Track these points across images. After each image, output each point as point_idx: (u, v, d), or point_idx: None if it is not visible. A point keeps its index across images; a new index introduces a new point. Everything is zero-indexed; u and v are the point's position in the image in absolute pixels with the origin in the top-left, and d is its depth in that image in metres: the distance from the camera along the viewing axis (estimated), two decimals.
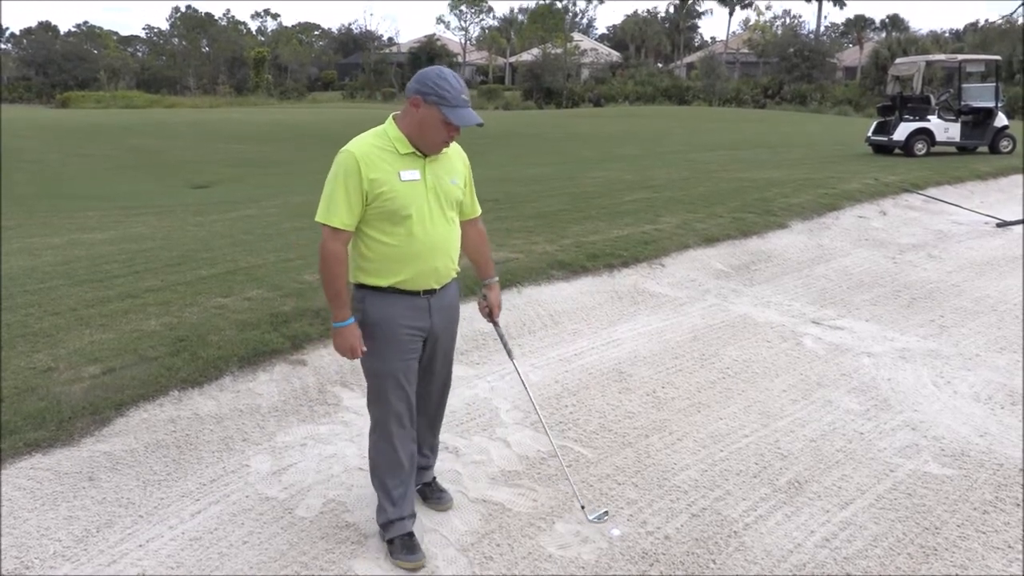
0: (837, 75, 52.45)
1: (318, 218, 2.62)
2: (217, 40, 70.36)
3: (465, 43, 67.49)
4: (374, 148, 2.62)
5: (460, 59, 64.70)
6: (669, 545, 2.95)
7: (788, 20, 60.13)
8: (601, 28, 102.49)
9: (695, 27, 73.22)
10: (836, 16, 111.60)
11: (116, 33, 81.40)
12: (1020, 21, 44.31)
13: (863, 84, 46.87)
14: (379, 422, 2.82)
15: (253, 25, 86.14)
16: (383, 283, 2.68)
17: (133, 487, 3.21)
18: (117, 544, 2.87)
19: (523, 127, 28.03)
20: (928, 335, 5.39)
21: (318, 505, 3.15)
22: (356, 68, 64.15)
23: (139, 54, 77.57)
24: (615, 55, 63.12)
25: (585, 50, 57.66)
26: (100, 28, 79.69)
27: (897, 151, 15.04)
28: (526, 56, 58.21)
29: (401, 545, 2.80)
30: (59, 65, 65.53)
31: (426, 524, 3.03)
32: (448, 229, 2.74)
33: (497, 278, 3.06)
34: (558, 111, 42.95)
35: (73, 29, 78.47)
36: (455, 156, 2.82)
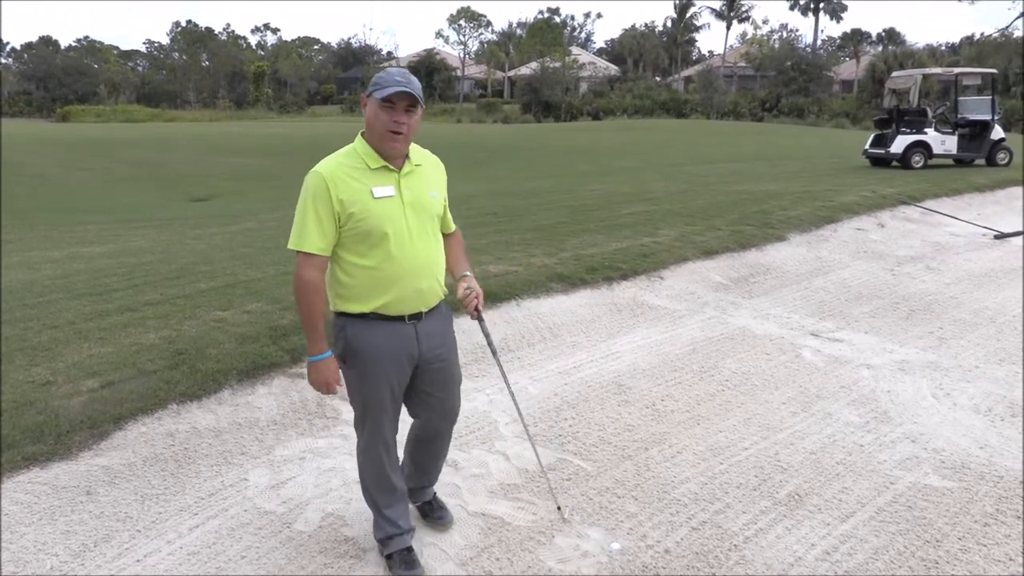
0: (834, 88, 52.71)
1: (290, 245, 2.46)
2: (217, 54, 70.72)
3: (464, 57, 67.82)
4: (343, 167, 2.49)
5: (459, 73, 65.01)
6: (669, 559, 2.94)
7: (785, 34, 60.60)
8: (599, 42, 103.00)
9: (693, 41, 73.65)
10: (833, 30, 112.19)
11: (116, 47, 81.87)
12: (1016, 34, 44.59)
13: (860, 97, 47.12)
14: (367, 446, 2.76)
15: (253, 39, 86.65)
16: (364, 309, 2.53)
17: (131, 501, 3.20)
18: (115, 559, 2.86)
19: (522, 141, 28.13)
20: (927, 347, 5.39)
21: (317, 519, 3.14)
22: (355, 82, 64.43)
23: (139, 68, 77.93)
24: (613, 69, 63.46)
25: (583, 64, 57.96)
26: (100, 42, 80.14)
27: (894, 164, 15.09)
28: (525, 70, 58.49)
29: (400, 560, 2.79)
30: (59, 79, 65.82)
31: (425, 539, 3.02)
32: (431, 246, 2.60)
33: (471, 273, 2.84)
34: (556, 124, 43.11)
35: (74, 43, 78.89)
36: (432, 168, 2.68)
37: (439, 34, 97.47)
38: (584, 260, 6.72)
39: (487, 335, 3.01)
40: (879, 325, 5.89)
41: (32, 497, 3.14)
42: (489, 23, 73.87)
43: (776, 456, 3.77)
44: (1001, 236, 9.28)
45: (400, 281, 2.53)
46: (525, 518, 3.20)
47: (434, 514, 3.08)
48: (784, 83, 48.57)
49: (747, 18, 62.64)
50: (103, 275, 6.35)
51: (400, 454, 2.97)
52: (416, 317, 2.62)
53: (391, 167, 2.54)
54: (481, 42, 69.48)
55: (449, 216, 2.81)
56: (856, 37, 65.18)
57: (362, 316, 2.57)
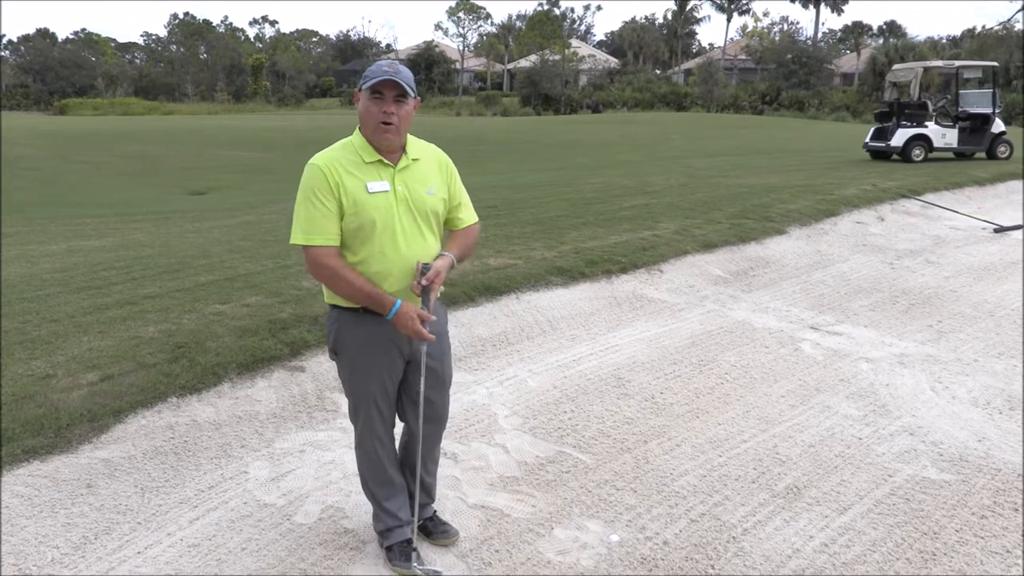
0: (835, 81, 52.62)
1: (297, 240, 2.42)
2: (215, 47, 70.50)
3: (463, 49, 67.65)
4: (339, 160, 2.48)
5: (458, 65, 64.85)
6: (668, 551, 2.96)
7: (786, 26, 60.44)
8: (599, 35, 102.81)
9: (693, 33, 73.49)
10: (834, 22, 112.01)
11: (114, 40, 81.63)
12: (1017, 27, 44.51)
13: (861, 90, 47.05)
14: (362, 439, 2.76)
15: (251, 32, 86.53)
16: (355, 304, 2.52)
17: (131, 494, 3.21)
18: (115, 551, 2.87)
19: (521, 134, 28.09)
20: (926, 340, 5.41)
21: (316, 511, 3.15)
22: (354, 75, 64.27)
23: (137, 61, 77.70)
24: (613, 61, 63.30)
25: (583, 56, 57.81)
26: (98, 35, 79.89)
27: (895, 157, 15.09)
28: (524, 62, 58.35)
29: (399, 552, 2.80)
30: (57, 72, 65.62)
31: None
32: (424, 245, 2.55)
33: (453, 258, 2.60)
34: (556, 117, 43.05)
35: (71, 36, 78.67)
36: (430, 164, 2.62)
37: (438, 26, 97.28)
38: (584, 253, 6.72)
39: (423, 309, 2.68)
40: (878, 318, 5.91)
41: (32, 490, 3.15)
42: (488, 15, 73.74)
43: (775, 449, 3.78)
44: (1001, 229, 9.29)
45: (389, 278, 2.51)
46: (524, 510, 3.21)
47: (438, 530, 2.98)
48: (784, 76, 48.47)
49: (747, 11, 62.45)
50: (102, 268, 6.36)
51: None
52: None
53: (386, 162, 2.52)
54: (480, 34, 69.32)
55: (468, 210, 2.72)
56: (857, 30, 65.03)
57: (353, 311, 2.56)
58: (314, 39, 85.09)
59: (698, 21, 70.56)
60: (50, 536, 2.92)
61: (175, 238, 8.27)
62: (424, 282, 2.51)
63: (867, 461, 3.67)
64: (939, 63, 17.54)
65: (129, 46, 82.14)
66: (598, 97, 51.32)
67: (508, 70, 65.91)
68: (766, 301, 6.27)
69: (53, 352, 4.21)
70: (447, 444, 3.63)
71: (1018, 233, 9.15)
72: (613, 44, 76.25)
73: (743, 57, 57.61)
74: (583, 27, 79.03)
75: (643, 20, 73.03)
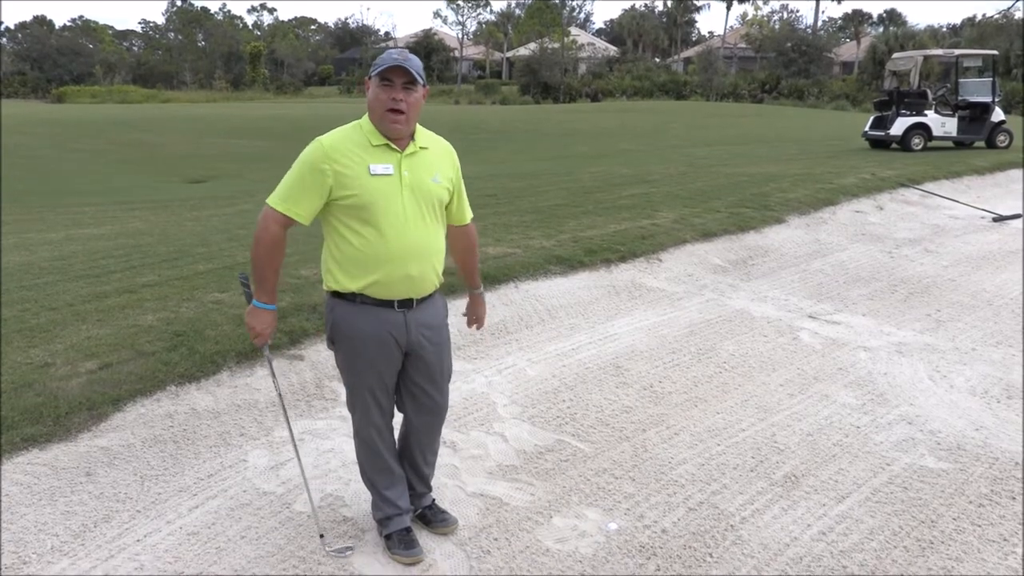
0: (834, 70, 52.45)
1: (270, 201, 2.49)
2: (213, 34, 70.15)
3: (462, 38, 67.34)
4: (346, 140, 2.49)
5: (457, 54, 64.58)
6: (666, 539, 2.96)
7: (786, 15, 60.15)
8: (598, 23, 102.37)
9: (692, 22, 73.14)
10: (834, 11, 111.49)
11: (111, 27, 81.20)
12: (1017, 15, 44.33)
13: (860, 79, 46.89)
14: (359, 429, 2.76)
15: (249, 20, 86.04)
16: (351, 287, 2.52)
17: (130, 482, 3.21)
18: (115, 539, 2.87)
19: (520, 122, 28.00)
20: (925, 329, 5.41)
21: (316, 500, 3.15)
22: (353, 63, 64.00)
23: (135, 48, 77.32)
24: (612, 50, 63.02)
25: (582, 45, 57.54)
26: (95, 22, 79.44)
27: (894, 146, 15.05)
28: (523, 51, 58.09)
29: (399, 540, 2.81)
30: (54, 60, 65.28)
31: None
32: (426, 232, 2.54)
33: (482, 289, 2.97)
34: (555, 106, 42.91)
35: (68, 23, 78.24)
36: (440, 153, 2.63)
37: (437, 14, 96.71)
38: (583, 242, 6.71)
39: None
40: (877, 307, 5.90)
41: (32, 478, 3.15)
42: (487, 3, 73.26)
43: (773, 437, 3.78)
44: (1000, 219, 9.27)
45: (389, 263, 2.50)
46: (523, 499, 3.22)
47: (437, 518, 2.98)
48: (784, 64, 48.29)
49: None
50: (100, 257, 6.34)
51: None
52: (406, 304, 2.58)
53: (393, 147, 2.51)
54: (479, 23, 68.99)
55: (465, 204, 2.77)
56: (857, 18, 64.74)
57: (350, 298, 2.55)
58: (312, 27, 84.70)
59: (698, 9, 70.17)
60: (49, 524, 2.92)
61: (174, 226, 8.25)
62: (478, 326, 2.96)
63: (865, 450, 3.68)
64: (939, 51, 17.48)
65: (127, 34, 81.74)
66: (597, 86, 51.13)
67: (507, 58, 65.64)
68: (765, 290, 6.26)
69: (52, 340, 4.20)
70: (446, 432, 3.63)
71: (1017, 222, 9.14)
72: (612, 32, 75.92)
73: (743, 46, 57.38)
74: (582, 15, 78.69)
75: (643, 8, 72.62)
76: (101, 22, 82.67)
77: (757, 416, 4.03)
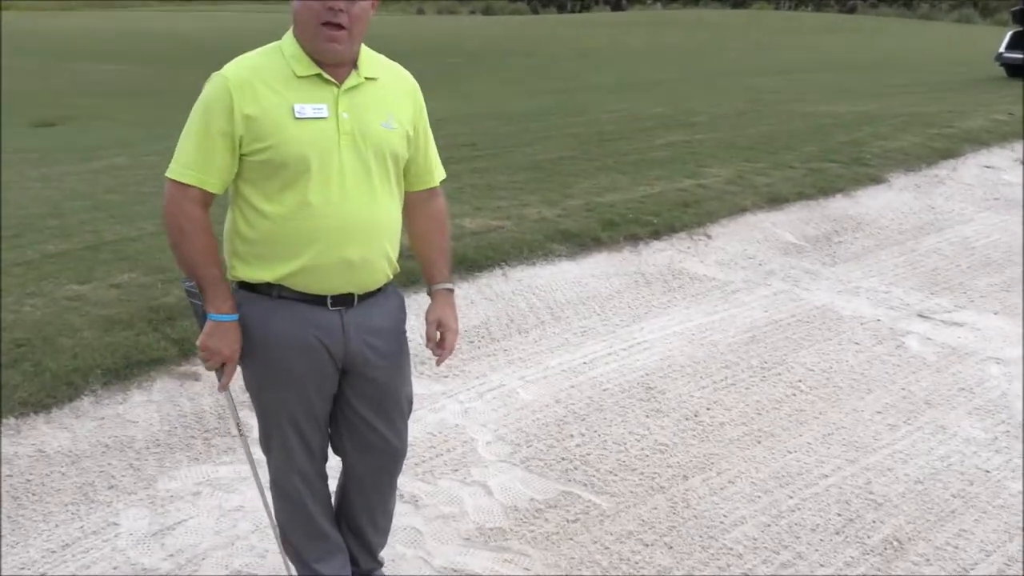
0: None
1: (169, 170, 2.47)
2: None
3: None
4: (259, 71, 2.44)
5: None
6: None
7: None
8: None
9: None
10: None
11: None
12: None
13: None
14: (277, 478, 2.75)
15: None
16: (267, 276, 2.51)
17: None
18: None
19: (511, 41, 27.98)
20: None
21: None
22: None
23: None
24: None
25: None
26: None
27: None
28: None
29: None
30: None
31: None
32: (373, 200, 2.53)
33: (452, 286, 2.86)
34: (562, 17, 42.87)
35: None
36: (395, 87, 2.61)
37: None
38: (599, 211, 6.70)
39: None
40: (1015, 303, 5.93)
41: None
42: None
43: (868, 486, 3.80)
44: None
45: (320, 242, 2.46)
46: (514, 575, 3.22)
47: None
48: None
49: None
50: None
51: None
52: (344, 302, 2.56)
53: (328, 77, 2.45)
54: None
55: (433, 160, 2.75)
56: None
57: (266, 292, 2.53)
58: None
59: None
60: None
61: (13, 190, 8.20)
62: (448, 349, 2.82)
63: (997, 503, 3.70)
64: None
65: None
66: None
67: None
68: (857, 279, 6.28)
69: None
70: (404, 482, 3.63)
71: None
72: None
73: None
74: None
75: None
76: None
77: (845, 457, 4.04)
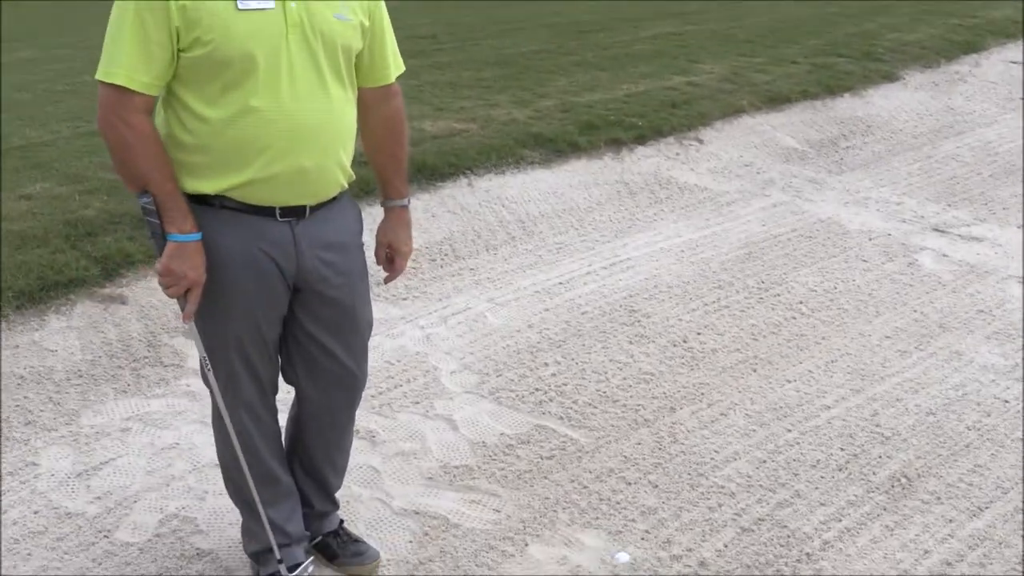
0: None
1: (99, 72, 2.39)
2: None
3: None
4: None
5: None
6: (708, 574, 3.04)
7: None
8: None
9: None
10: None
11: None
12: None
13: None
14: (222, 413, 2.72)
15: None
16: (208, 189, 2.49)
17: None
18: None
19: None
20: None
21: (152, 524, 3.16)
22: None
23: None
24: None
25: None
26: None
27: None
28: None
29: None
30: None
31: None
32: (327, 100, 2.52)
33: (407, 202, 2.87)
34: None
35: None
36: None
37: None
38: (576, 113, 6.65)
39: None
40: None
41: None
42: None
43: (874, 419, 3.86)
44: None
45: (269, 149, 2.44)
46: (483, 517, 3.26)
47: (345, 551, 3.02)
48: None
49: None
50: None
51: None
52: (295, 212, 2.55)
53: None
54: None
55: (389, 53, 2.70)
56: None
57: (206, 202, 2.50)
58: None
59: None
60: None
61: None
62: (400, 269, 2.88)
63: (1015, 436, 3.76)
64: None
65: None
66: None
67: None
68: (866, 188, 6.29)
69: None
70: (359, 416, 3.63)
71: None
72: None
73: None
74: None
75: None
76: None
77: (850, 386, 4.09)
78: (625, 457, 3.59)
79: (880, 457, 3.63)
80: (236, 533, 3.01)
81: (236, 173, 2.45)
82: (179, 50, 2.38)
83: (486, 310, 4.60)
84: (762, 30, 9.53)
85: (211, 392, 2.74)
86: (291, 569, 2.84)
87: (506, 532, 3.19)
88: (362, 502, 3.29)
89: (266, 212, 2.51)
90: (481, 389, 3.99)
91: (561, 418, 3.82)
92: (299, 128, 2.45)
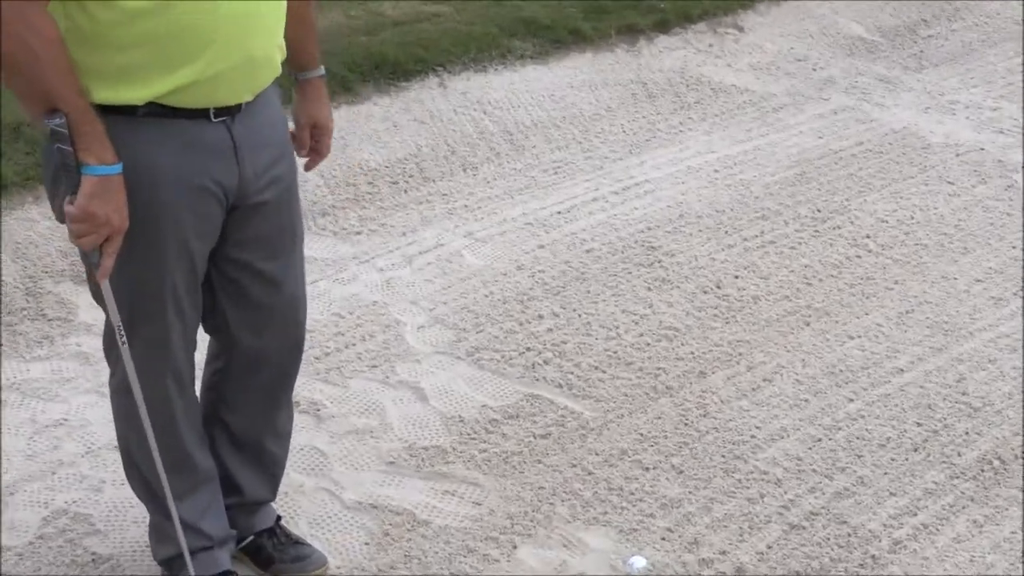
0: None
1: None
2: None
3: None
4: None
5: None
6: None
7: None
8: None
9: None
10: None
11: None
12: None
13: None
14: (139, 376, 2.68)
15: None
16: (137, 96, 2.47)
17: None
18: None
19: None
20: None
21: (35, 523, 3.16)
22: None
23: None
24: None
25: None
26: None
27: None
28: None
29: None
30: None
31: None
32: None
33: (323, 71, 2.92)
34: None
35: None
36: None
37: None
38: None
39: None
40: None
41: None
42: None
43: (960, 385, 3.87)
44: None
45: (217, 38, 2.45)
46: (459, 512, 3.27)
47: (283, 556, 3.04)
48: None
49: None
50: None
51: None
52: (229, 111, 2.56)
53: None
54: None
55: None
56: None
57: (127, 111, 2.48)
58: None
59: None
60: None
61: None
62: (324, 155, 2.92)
63: None
64: None
65: None
66: None
67: None
68: (952, 90, 6.27)
69: None
70: (301, 385, 3.63)
71: None
72: None
73: None
74: None
75: None
76: None
77: (930, 344, 4.10)
78: (641, 435, 3.60)
79: (967, 434, 3.64)
80: (141, 534, 3.02)
81: (176, 73, 2.43)
82: None
83: (463, 247, 4.59)
84: None
85: (119, 364, 2.71)
86: None
87: (489, 531, 3.21)
88: (304, 493, 3.30)
89: (199, 115, 2.51)
90: (457, 349, 3.98)
91: (560, 386, 3.82)
92: (247, 11, 2.47)
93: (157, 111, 2.47)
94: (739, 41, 6.53)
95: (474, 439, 3.56)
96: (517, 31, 6.06)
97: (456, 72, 5.70)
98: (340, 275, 4.33)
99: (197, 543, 2.85)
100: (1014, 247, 4.74)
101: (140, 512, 2.98)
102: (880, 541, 3.18)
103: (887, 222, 4.91)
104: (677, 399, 3.77)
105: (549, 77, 5.88)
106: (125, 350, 2.62)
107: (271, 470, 3.03)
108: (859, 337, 4.12)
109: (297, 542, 3.06)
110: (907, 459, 3.51)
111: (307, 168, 2.95)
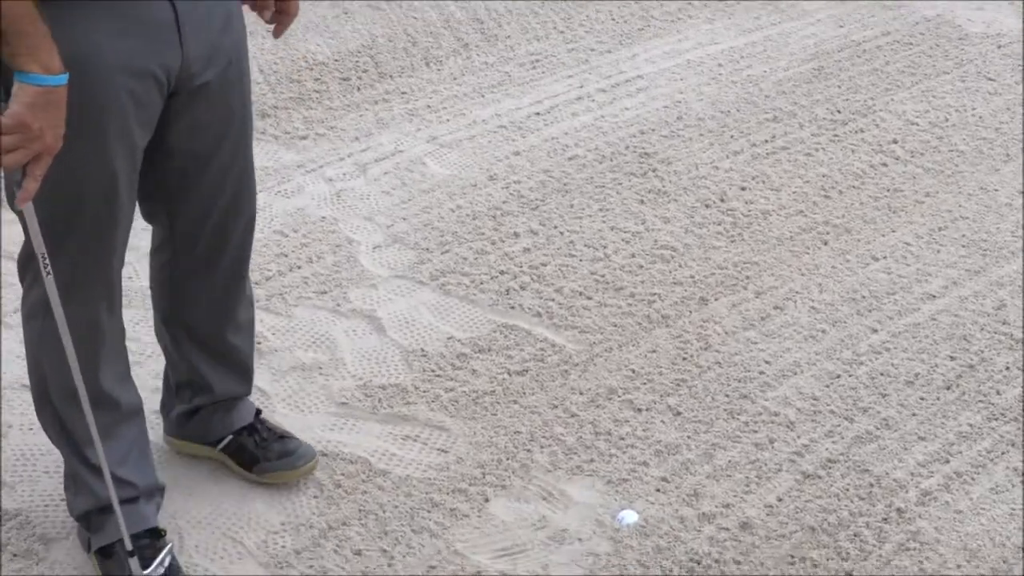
0: None
1: None
2: None
3: None
4: None
5: None
6: (753, 541, 3.07)
7: None
8: None
9: None
10: None
11: None
12: None
13: None
14: (58, 311, 2.72)
15: None
16: None
17: None
18: None
19: None
20: None
21: None
22: None
23: None
24: None
25: None
26: None
27: None
28: None
29: (125, 559, 2.84)
30: None
31: (188, 508, 3.09)
32: None
33: None
34: None
35: None
36: None
37: None
38: None
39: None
40: None
41: None
42: None
43: (999, 314, 3.89)
44: None
45: None
46: (422, 460, 3.29)
47: (268, 452, 3.11)
48: None
49: None
50: None
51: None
52: None
53: None
54: None
55: None
56: None
57: None
58: None
59: None
60: None
61: None
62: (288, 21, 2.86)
63: None
64: None
65: None
66: None
67: None
68: None
69: None
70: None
71: None
72: None
73: None
74: None
75: None
76: None
77: (965, 266, 4.11)
78: (633, 372, 3.61)
79: (1007, 369, 3.66)
80: (54, 486, 3.02)
81: None
82: None
83: (425, 154, 4.57)
84: None
85: (37, 283, 2.70)
86: (137, 539, 2.85)
87: (457, 482, 3.22)
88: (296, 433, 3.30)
89: None
90: (419, 272, 3.98)
91: (539, 314, 3.83)
92: None
93: None
94: None
95: (439, 376, 3.57)
96: None
97: None
98: (283, 187, 4.32)
99: (123, 492, 2.84)
100: None
101: (52, 460, 2.98)
102: (907, 492, 3.20)
103: (917, 124, 4.90)
104: (674, 330, 3.78)
105: None
106: (50, 280, 2.61)
107: (238, 362, 3.11)
108: (884, 258, 4.13)
109: (282, 436, 3.15)
110: (938, 398, 3.53)
111: (276, 34, 2.91)
